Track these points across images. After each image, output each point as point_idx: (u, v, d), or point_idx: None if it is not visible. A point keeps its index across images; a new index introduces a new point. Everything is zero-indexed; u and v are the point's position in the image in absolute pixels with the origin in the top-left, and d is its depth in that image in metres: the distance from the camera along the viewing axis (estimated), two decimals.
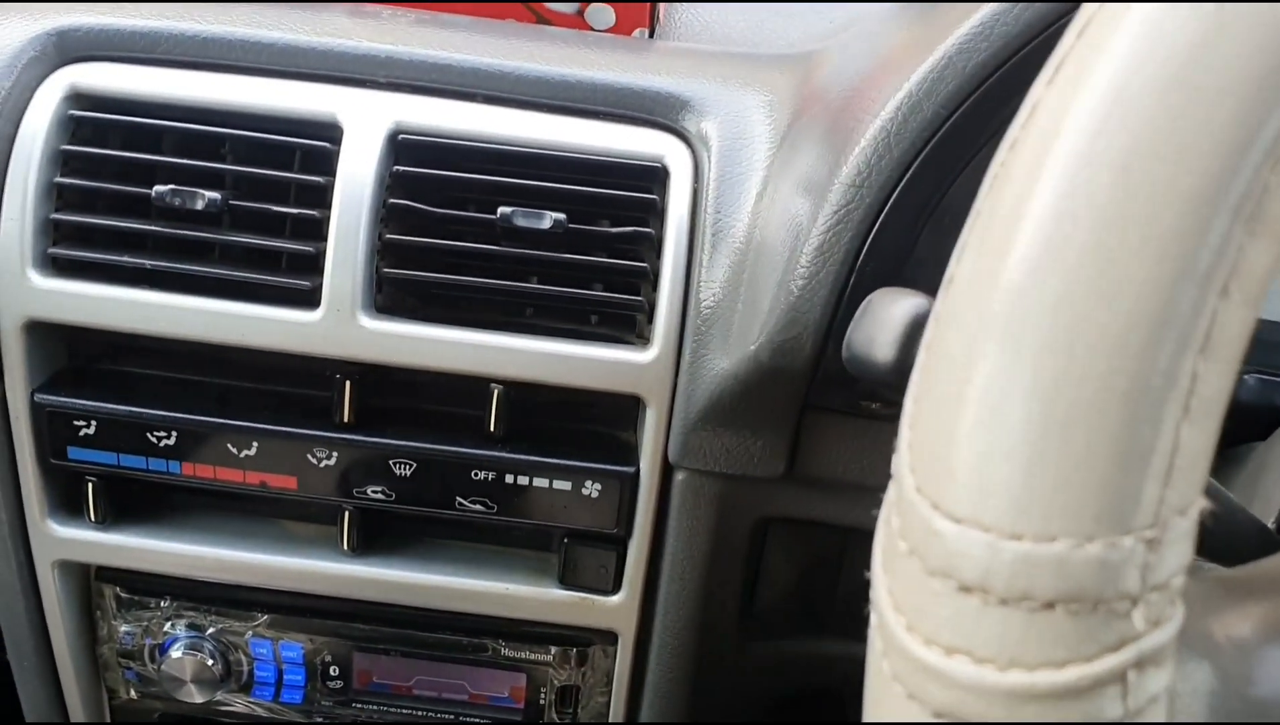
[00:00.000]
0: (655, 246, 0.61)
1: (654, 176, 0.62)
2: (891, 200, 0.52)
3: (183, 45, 0.63)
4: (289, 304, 0.61)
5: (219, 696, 0.71)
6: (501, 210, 0.60)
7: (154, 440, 0.63)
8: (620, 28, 0.73)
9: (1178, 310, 0.22)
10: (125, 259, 0.61)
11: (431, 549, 0.69)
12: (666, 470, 0.63)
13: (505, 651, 0.69)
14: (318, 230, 0.60)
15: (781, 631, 0.71)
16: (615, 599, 0.67)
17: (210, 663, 0.69)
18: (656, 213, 0.61)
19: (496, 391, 0.62)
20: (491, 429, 0.63)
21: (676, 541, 0.65)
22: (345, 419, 0.63)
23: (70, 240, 0.62)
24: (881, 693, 0.25)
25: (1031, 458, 0.22)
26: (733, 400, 0.58)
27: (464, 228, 0.61)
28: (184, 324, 0.61)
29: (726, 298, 0.58)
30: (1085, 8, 0.24)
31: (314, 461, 0.63)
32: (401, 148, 0.61)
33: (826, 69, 0.63)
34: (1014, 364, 0.23)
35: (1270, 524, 0.49)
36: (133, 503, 0.67)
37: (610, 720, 0.72)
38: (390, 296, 0.61)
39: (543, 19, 0.74)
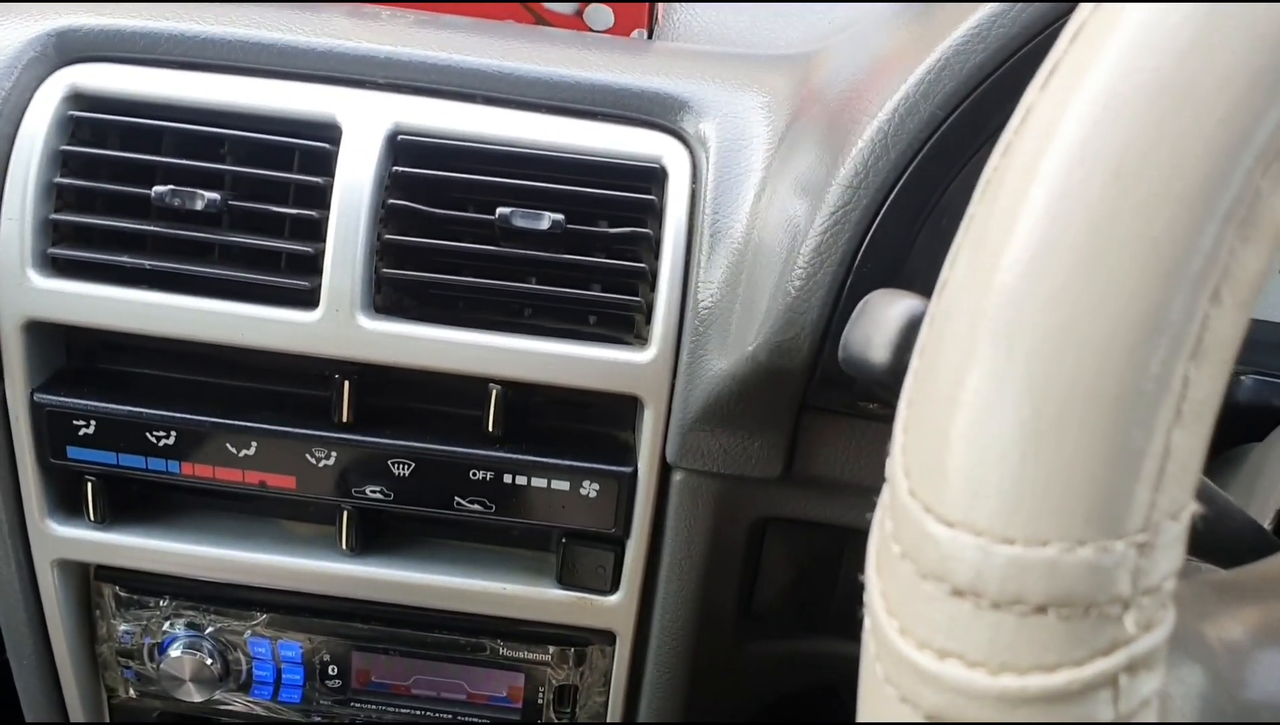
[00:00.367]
0: (653, 247, 0.61)
1: (652, 177, 0.62)
2: (889, 201, 0.52)
3: (182, 46, 0.63)
4: (288, 304, 0.61)
5: (218, 695, 0.71)
6: (500, 211, 0.60)
7: (153, 440, 0.63)
8: (619, 28, 0.73)
9: (1169, 315, 0.22)
10: (124, 259, 0.61)
11: (430, 549, 0.69)
12: (664, 470, 0.64)
13: (503, 651, 0.69)
14: (317, 231, 0.61)
15: (779, 631, 0.71)
16: (613, 599, 0.67)
17: (209, 662, 0.69)
18: (655, 213, 0.61)
19: (495, 391, 0.62)
20: (490, 429, 0.63)
21: (674, 541, 0.65)
22: (344, 419, 0.63)
23: (70, 240, 0.62)
24: (875, 695, 0.25)
25: (1023, 462, 0.22)
26: (730, 400, 0.59)
27: (463, 228, 0.61)
28: (183, 324, 0.61)
29: (724, 298, 0.58)
30: (1078, 13, 0.24)
31: (313, 461, 0.63)
32: (400, 148, 0.61)
33: (825, 70, 0.63)
34: (1006, 368, 0.23)
35: (1267, 525, 0.49)
36: (132, 502, 0.68)
37: (608, 720, 0.72)
38: (389, 297, 0.61)
39: (542, 20, 0.74)
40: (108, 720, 0.75)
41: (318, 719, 0.72)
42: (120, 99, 0.62)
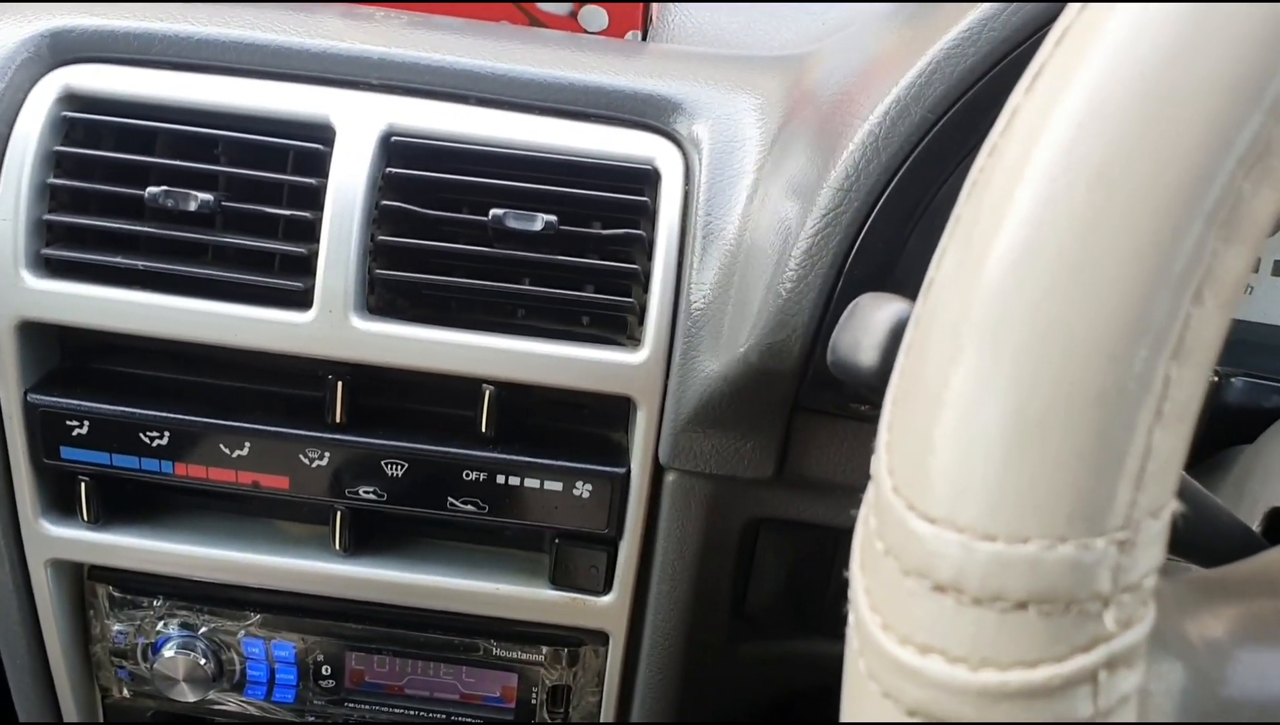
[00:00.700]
0: (646, 248, 0.61)
1: (645, 179, 0.62)
2: (879, 204, 0.52)
3: (176, 47, 0.63)
4: (281, 305, 0.61)
5: (211, 695, 0.71)
6: (493, 212, 0.60)
7: (146, 440, 0.63)
8: (613, 30, 0.74)
9: (1152, 315, 0.22)
10: (118, 260, 0.61)
11: (423, 549, 0.69)
12: (657, 471, 0.64)
13: (497, 651, 0.70)
14: (310, 231, 0.61)
15: (772, 632, 0.71)
16: (606, 599, 0.67)
17: (203, 662, 0.69)
18: (648, 215, 0.61)
19: (488, 392, 0.62)
20: (483, 430, 0.63)
21: (667, 542, 0.65)
22: (337, 419, 0.63)
23: (63, 241, 0.62)
24: (858, 691, 0.25)
25: (1005, 460, 0.22)
26: (723, 402, 0.59)
27: (456, 229, 0.61)
28: (177, 324, 0.61)
29: (717, 300, 0.59)
30: (1064, 16, 0.25)
31: (306, 462, 0.63)
32: (394, 149, 0.61)
33: (817, 72, 0.63)
34: (990, 367, 0.23)
35: (1255, 527, 0.49)
36: (125, 502, 0.68)
37: (601, 720, 0.72)
38: (382, 298, 0.61)
39: (536, 21, 0.74)
40: (101, 720, 0.75)
41: (311, 719, 0.73)
42: (114, 100, 0.62)
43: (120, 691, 0.73)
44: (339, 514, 0.66)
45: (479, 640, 0.69)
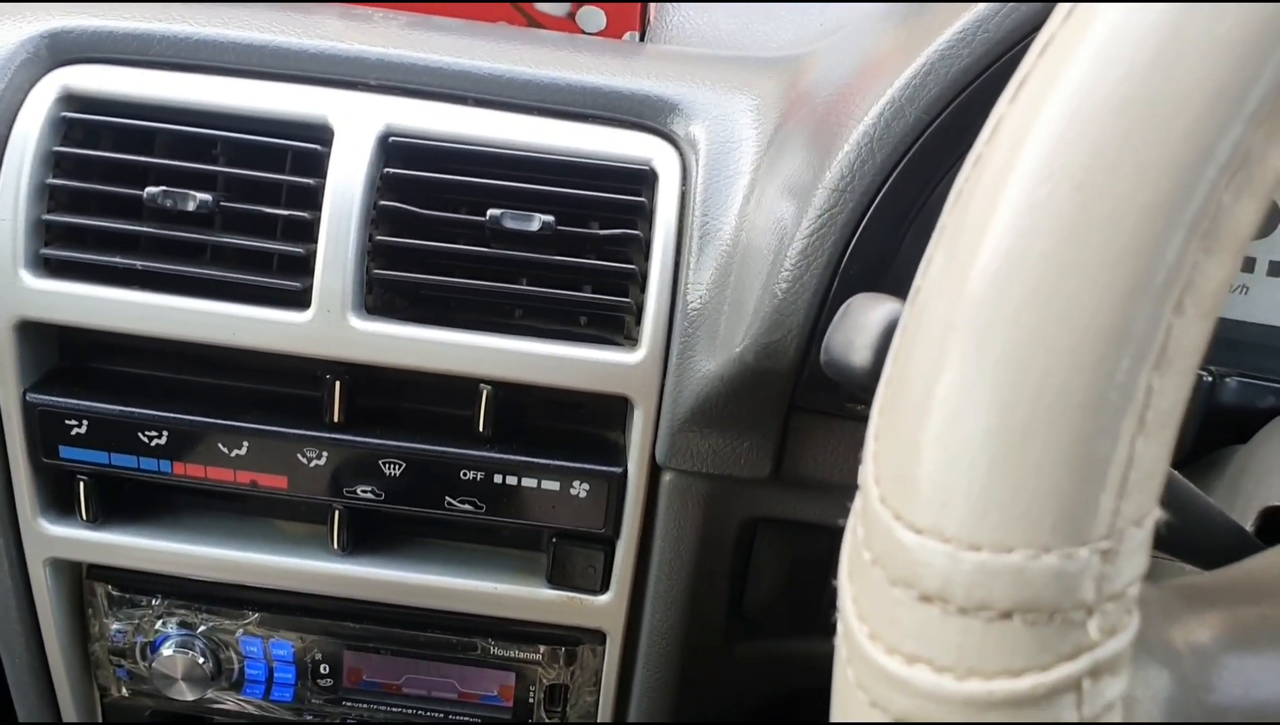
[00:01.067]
0: (643, 249, 0.61)
1: (642, 179, 0.62)
2: (874, 204, 0.52)
3: (175, 47, 0.63)
4: (279, 305, 0.61)
5: (210, 694, 0.71)
6: (491, 212, 0.60)
7: (145, 440, 0.63)
8: (611, 30, 0.74)
9: (1133, 325, 0.22)
10: (117, 260, 0.61)
11: (421, 548, 0.69)
12: (654, 471, 0.64)
13: (494, 650, 0.70)
14: (308, 232, 0.61)
15: (769, 631, 0.72)
16: (603, 599, 0.67)
17: (201, 661, 0.69)
18: (645, 215, 0.61)
19: (485, 392, 0.62)
20: (480, 429, 0.63)
21: (664, 542, 0.65)
22: (335, 419, 0.63)
23: (62, 241, 0.62)
24: (846, 699, 0.25)
25: (990, 470, 0.23)
26: (719, 401, 0.59)
27: (454, 229, 0.62)
28: (175, 324, 0.61)
29: (713, 300, 0.59)
30: (1048, 25, 0.25)
31: (304, 461, 0.64)
32: (392, 150, 0.62)
33: (814, 72, 0.63)
34: (974, 377, 0.23)
35: (1249, 527, 0.50)
36: (124, 501, 0.68)
37: (599, 719, 0.72)
38: (380, 297, 0.61)
39: (534, 22, 0.74)
40: (100, 719, 0.75)
41: (309, 718, 0.73)
42: (113, 100, 0.62)
43: (119, 690, 0.73)
44: (337, 513, 0.66)
45: (477, 639, 0.70)
